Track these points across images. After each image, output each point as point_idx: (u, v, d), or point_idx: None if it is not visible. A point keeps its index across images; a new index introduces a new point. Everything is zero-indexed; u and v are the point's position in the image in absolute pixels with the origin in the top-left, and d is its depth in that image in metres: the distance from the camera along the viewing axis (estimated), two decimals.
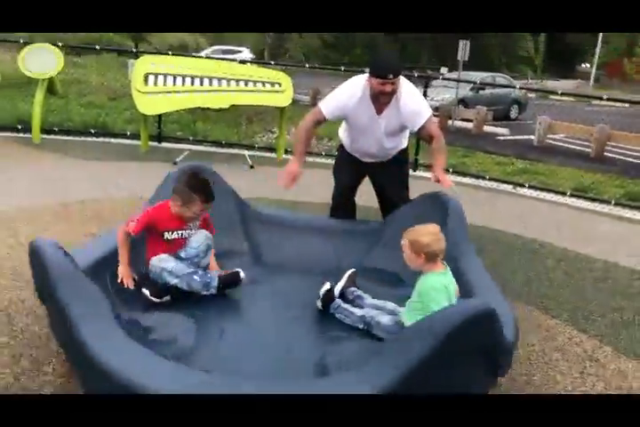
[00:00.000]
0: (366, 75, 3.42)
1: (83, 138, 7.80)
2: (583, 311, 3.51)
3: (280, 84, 6.91)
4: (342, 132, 3.88)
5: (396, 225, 3.29)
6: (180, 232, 2.88)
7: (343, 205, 3.89)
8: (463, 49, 15.50)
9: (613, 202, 6.43)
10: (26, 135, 7.38)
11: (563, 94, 9.64)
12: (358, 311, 2.68)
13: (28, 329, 2.72)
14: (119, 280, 2.70)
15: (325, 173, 4.27)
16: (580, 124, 12.79)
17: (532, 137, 13.21)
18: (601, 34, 40.08)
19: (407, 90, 3.46)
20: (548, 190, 6.85)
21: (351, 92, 3.47)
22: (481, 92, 17.62)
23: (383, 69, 3.30)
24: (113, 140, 7.86)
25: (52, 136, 7.60)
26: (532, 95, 21.71)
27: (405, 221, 3.02)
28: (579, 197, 6.66)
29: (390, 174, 3.77)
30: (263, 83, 6.91)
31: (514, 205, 6.13)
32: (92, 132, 7.98)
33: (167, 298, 2.76)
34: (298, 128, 3.69)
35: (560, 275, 4.11)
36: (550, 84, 40.17)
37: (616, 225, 5.69)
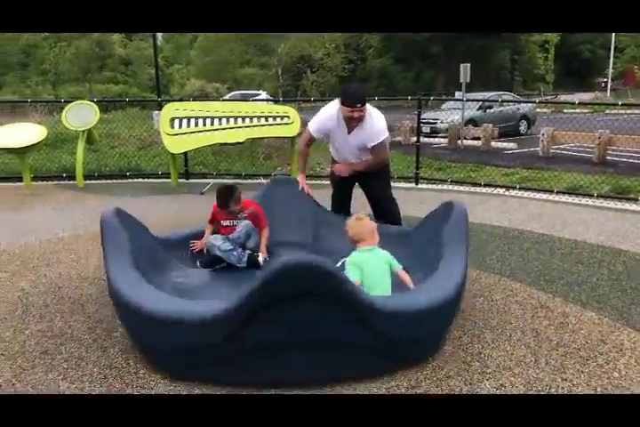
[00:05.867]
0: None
1: (120, 180, 8.80)
2: (545, 276, 4.21)
3: (288, 117, 7.82)
4: (330, 148, 4.70)
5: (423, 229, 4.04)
6: (231, 221, 4.06)
7: (342, 202, 4.73)
8: (464, 72, 16.43)
9: (596, 194, 7.05)
10: (70, 182, 8.40)
11: (552, 103, 10.20)
12: None
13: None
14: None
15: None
16: (584, 133, 13.31)
17: (539, 148, 13.89)
18: (613, 45, 40.78)
19: (374, 114, 4.20)
20: (537, 190, 7.52)
21: (329, 114, 4.24)
22: (489, 110, 18.34)
23: (351, 99, 4.01)
24: (147, 180, 8.85)
25: (93, 181, 8.61)
26: (546, 110, 22.24)
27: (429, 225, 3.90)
28: (564, 193, 7.32)
29: (374, 178, 4.53)
30: (273, 117, 7.84)
31: (504, 204, 6.83)
32: (128, 174, 8.99)
33: (218, 266, 3.93)
34: (296, 148, 4.57)
35: (532, 253, 4.81)
36: (565, 97, 40.77)
37: (594, 213, 6.33)
